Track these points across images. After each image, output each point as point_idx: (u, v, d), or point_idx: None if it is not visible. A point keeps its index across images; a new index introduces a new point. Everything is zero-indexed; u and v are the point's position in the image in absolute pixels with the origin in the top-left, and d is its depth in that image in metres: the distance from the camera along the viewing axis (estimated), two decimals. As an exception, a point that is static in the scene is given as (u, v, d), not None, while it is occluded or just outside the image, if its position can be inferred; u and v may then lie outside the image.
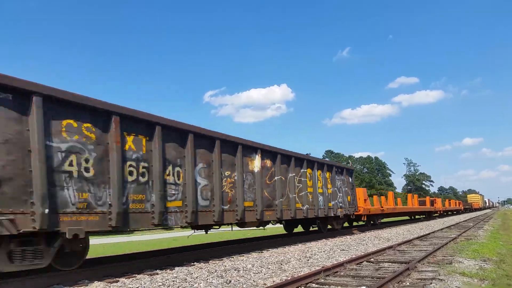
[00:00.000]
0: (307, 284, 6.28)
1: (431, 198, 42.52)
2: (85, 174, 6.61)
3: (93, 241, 18.28)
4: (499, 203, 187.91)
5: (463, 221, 30.22)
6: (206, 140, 9.38)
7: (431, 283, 6.14)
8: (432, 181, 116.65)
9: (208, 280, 6.67)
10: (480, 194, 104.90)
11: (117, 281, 6.56)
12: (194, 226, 9.30)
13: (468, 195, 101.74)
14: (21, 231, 5.69)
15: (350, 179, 18.63)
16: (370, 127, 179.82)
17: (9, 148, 5.68)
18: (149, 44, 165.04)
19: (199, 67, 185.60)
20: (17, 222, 5.65)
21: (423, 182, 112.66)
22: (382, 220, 25.75)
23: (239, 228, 11.59)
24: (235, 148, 10.29)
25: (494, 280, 6.58)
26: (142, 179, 7.61)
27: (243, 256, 9.94)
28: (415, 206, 33.72)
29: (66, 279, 6.43)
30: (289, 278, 6.47)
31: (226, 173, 9.95)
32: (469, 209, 70.22)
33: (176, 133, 8.52)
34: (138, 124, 7.67)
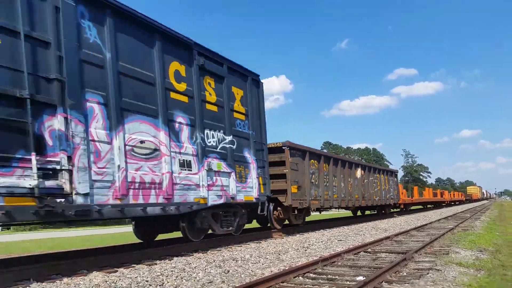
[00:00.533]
0: (304, 273, 6.32)
1: (441, 191, 53.96)
2: (315, 183, 15.13)
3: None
4: (496, 194, 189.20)
5: (460, 212, 30.40)
6: (343, 162, 18.43)
7: (428, 273, 6.19)
8: (429, 172, 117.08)
9: (206, 270, 6.70)
10: (478, 186, 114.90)
11: (115, 271, 6.59)
12: (339, 207, 18.39)
13: (467, 187, 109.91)
14: (304, 207, 13.99)
15: (396, 179, 27.85)
16: (369, 119, 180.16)
17: (300, 173, 13.97)
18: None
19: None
20: (302, 203, 13.80)
21: (421, 173, 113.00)
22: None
23: (345, 210, 23.21)
24: (352, 165, 19.54)
25: (490, 270, 6.64)
26: (327, 184, 16.32)
27: (241, 246, 9.98)
28: (431, 197, 42.89)
29: (66, 268, 6.47)
30: (286, 268, 6.51)
31: (348, 179, 18.67)
32: (469, 199, 79.67)
33: (335, 160, 17.43)
34: (329, 158, 17.00)
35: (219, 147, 9.74)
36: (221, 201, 9.56)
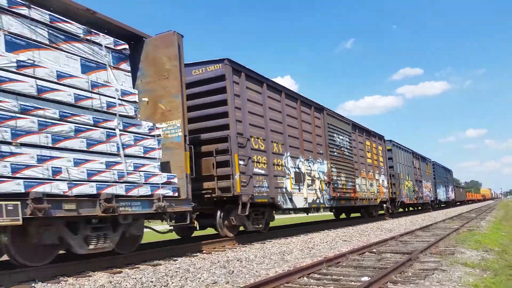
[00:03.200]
0: (309, 274, 6.30)
1: (473, 193, 64.45)
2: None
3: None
4: (502, 194, 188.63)
5: (466, 212, 30.24)
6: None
7: (433, 274, 6.15)
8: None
9: (211, 270, 6.71)
10: (488, 188, 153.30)
11: (120, 272, 6.61)
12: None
13: (481, 189, 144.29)
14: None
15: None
16: (374, 119, 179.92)
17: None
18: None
19: (202, 59, 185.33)
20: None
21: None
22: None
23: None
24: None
25: (496, 271, 6.59)
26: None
27: (246, 246, 9.98)
28: (472, 197, 64.75)
29: (70, 269, 6.49)
30: (291, 269, 6.49)
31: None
32: (484, 198, 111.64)
33: None
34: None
35: None
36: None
